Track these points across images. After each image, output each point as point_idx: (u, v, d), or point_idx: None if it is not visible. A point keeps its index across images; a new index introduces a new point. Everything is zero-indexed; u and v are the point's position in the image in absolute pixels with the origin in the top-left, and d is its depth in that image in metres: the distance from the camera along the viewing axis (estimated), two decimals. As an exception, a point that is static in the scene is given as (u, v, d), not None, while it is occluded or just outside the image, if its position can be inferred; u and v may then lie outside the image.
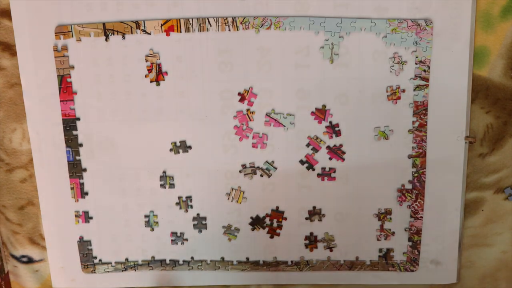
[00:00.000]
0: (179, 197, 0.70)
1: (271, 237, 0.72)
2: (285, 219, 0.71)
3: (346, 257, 0.72)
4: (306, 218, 0.71)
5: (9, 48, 0.67)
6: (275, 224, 0.71)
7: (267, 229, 0.71)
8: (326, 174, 0.69)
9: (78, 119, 0.68)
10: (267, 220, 0.71)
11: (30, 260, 0.75)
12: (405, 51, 0.66)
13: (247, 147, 0.69)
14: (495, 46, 0.66)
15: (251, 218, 0.71)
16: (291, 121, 0.68)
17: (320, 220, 0.71)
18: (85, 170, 0.70)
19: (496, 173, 0.70)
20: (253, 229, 0.71)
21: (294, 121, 0.68)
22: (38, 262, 0.75)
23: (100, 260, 0.73)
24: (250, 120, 0.68)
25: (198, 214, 0.71)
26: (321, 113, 0.68)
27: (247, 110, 0.68)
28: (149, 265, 0.73)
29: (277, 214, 0.71)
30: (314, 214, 0.71)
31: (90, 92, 0.67)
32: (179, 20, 0.65)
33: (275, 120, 0.68)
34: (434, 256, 0.72)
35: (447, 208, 0.70)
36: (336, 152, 0.69)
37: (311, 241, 0.72)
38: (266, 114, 0.68)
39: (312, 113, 0.68)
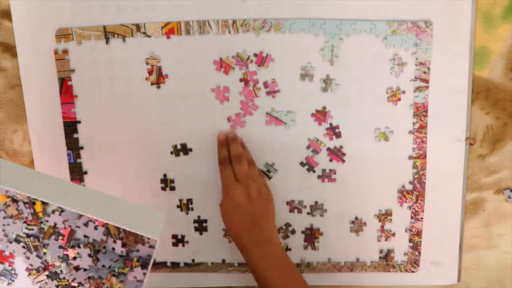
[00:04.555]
0: (180, 200, 0.71)
1: None
2: None
3: (347, 259, 0.72)
4: (308, 213, 0.71)
5: (10, 49, 0.67)
6: None
7: None
8: (327, 176, 0.70)
9: (79, 121, 0.68)
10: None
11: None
12: (405, 52, 0.66)
13: (248, 149, 0.69)
14: (496, 47, 0.66)
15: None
16: (292, 118, 0.68)
17: (322, 215, 0.71)
18: (86, 172, 0.70)
19: (495, 173, 0.70)
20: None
21: (295, 118, 0.68)
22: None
23: (101, 262, 0.73)
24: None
25: (198, 217, 0.71)
26: (321, 115, 0.68)
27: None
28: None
29: None
30: (316, 209, 0.71)
31: (90, 95, 0.67)
32: (180, 22, 0.65)
33: (276, 118, 0.68)
34: (435, 257, 0.72)
35: (447, 209, 0.70)
36: (337, 153, 0.69)
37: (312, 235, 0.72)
38: (266, 113, 0.68)
39: (313, 114, 0.68)
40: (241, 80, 0.67)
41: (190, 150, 0.69)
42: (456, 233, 0.71)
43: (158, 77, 0.67)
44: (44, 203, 0.54)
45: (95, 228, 0.54)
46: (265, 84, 0.67)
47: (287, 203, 0.71)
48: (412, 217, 0.71)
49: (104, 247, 0.55)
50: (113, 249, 0.55)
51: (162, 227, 0.54)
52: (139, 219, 0.53)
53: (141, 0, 0.65)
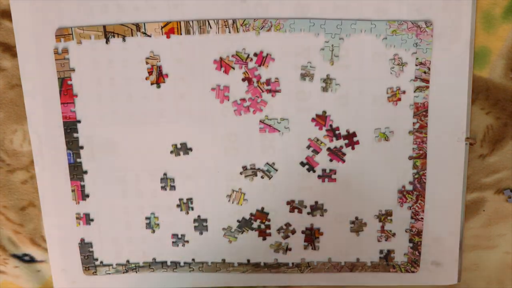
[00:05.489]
0: (180, 199, 0.71)
1: (264, 239, 0.72)
2: (269, 220, 0.71)
3: (347, 259, 0.72)
4: (308, 213, 0.71)
5: (10, 49, 0.67)
6: (262, 226, 0.71)
7: (257, 232, 0.72)
8: (327, 176, 0.70)
9: (79, 121, 0.68)
10: (257, 222, 0.71)
11: (32, 260, 0.75)
12: (405, 52, 0.66)
13: (248, 149, 0.69)
14: (496, 47, 0.66)
15: (238, 221, 0.71)
16: (286, 125, 0.68)
17: (322, 215, 0.71)
18: (86, 172, 0.70)
19: (496, 173, 0.70)
20: (242, 232, 0.72)
21: (289, 125, 0.68)
22: (40, 263, 0.75)
23: (101, 262, 0.73)
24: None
25: (199, 216, 0.71)
26: (321, 120, 0.68)
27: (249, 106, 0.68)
28: (150, 267, 0.73)
29: (262, 214, 0.71)
30: (316, 209, 0.71)
31: (90, 94, 0.67)
32: (180, 22, 0.65)
33: (270, 126, 0.68)
34: (435, 257, 0.72)
35: (447, 209, 0.70)
36: (337, 153, 0.69)
37: (312, 235, 0.72)
38: (260, 121, 0.68)
39: (313, 119, 0.68)
40: (243, 80, 0.67)
41: (190, 149, 0.69)
42: (456, 233, 0.71)
43: (158, 76, 0.67)
44: None
45: None
46: (267, 82, 0.67)
47: (287, 203, 0.71)
48: (412, 217, 0.71)
49: None
50: None
51: None
52: None
53: (141, 0, 0.65)
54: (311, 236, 0.72)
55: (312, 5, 0.65)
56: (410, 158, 0.69)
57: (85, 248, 0.73)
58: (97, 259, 0.73)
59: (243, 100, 0.67)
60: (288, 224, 0.71)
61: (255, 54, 0.66)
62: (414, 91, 0.67)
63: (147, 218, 0.71)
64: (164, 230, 0.72)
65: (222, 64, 0.66)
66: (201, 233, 0.72)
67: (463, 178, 0.69)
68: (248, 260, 0.73)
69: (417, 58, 0.66)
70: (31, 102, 0.68)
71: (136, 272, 0.73)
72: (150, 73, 0.67)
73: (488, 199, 0.71)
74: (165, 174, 0.70)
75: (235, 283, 0.73)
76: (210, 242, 0.72)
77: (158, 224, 0.72)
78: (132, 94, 0.67)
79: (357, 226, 0.71)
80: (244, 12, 0.65)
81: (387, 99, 0.67)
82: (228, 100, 0.67)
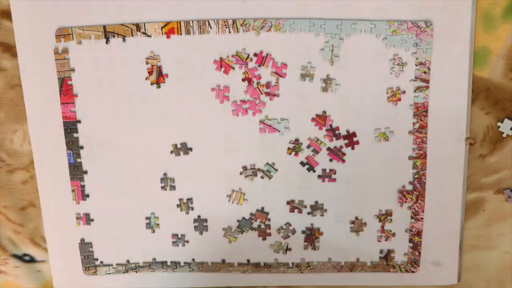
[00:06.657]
0: (180, 199, 0.71)
1: (264, 239, 0.72)
2: (269, 220, 0.71)
3: (347, 259, 0.72)
4: (308, 213, 0.71)
5: (10, 49, 0.67)
6: (262, 226, 0.71)
7: (257, 232, 0.72)
8: (327, 176, 0.70)
9: (79, 121, 0.68)
10: (257, 222, 0.71)
11: (32, 259, 0.75)
12: (405, 52, 0.66)
13: (248, 149, 0.69)
14: (496, 47, 0.66)
15: (238, 221, 0.71)
16: (286, 125, 0.68)
17: (322, 215, 0.71)
18: (86, 172, 0.70)
19: (496, 173, 0.70)
20: (242, 232, 0.72)
21: (289, 126, 0.68)
22: (40, 263, 0.75)
23: (101, 262, 0.73)
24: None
25: (199, 216, 0.71)
26: (321, 119, 0.68)
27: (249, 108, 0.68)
28: (150, 267, 0.73)
29: (262, 214, 0.71)
30: (316, 209, 0.71)
31: (90, 94, 0.67)
32: (180, 22, 0.65)
33: (270, 126, 0.68)
34: (435, 257, 0.72)
35: (447, 209, 0.70)
36: (337, 153, 0.69)
37: (312, 234, 0.72)
38: (260, 121, 0.68)
39: (313, 119, 0.68)
40: (243, 80, 0.67)
41: (190, 149, 0.69)
42: (456, 233, 0.71)
43: (158, 77, 0.67)
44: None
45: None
46: (267, 85, 0.67)
47: (287, 203, 0.71)
48: (412, 217, 0.71)
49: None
50: None
51: None
52: None
53: (141, 0, 0.65)
54: (311, 236, 0.72)
55: (312, 5, 0.65)
56: (410, 158, 0.69)
57: (85, 248, 0.73)
58: (97, 259, 0.73)
59: (243, 101, 0.67)
60: (288, 224, 0.71)
61: (255, 54, 0.66)
62: (414, 91, 0.67)
63: (147, 218, 0.71)
64: (164, 230, 0.72)
65: (222, 64, 0.66)
66: (201, 233, 0.72)
67: (463, 178, 0.69)
68: (248, 260, 0.73)
69: (417, 58, 0.66)
70: (31, 102, 0.68)
71: (136, 272, 0.73)
72: (150, 73, 0.67)
73: (488, 199, 0.71)
74: (165, 174, 0.70)
75: (235, 283, 0.73)
76: (210, 242, 0.72)
77: (158, 224, 0.72)
78: (132, 94, 0.67)
79: (357, 226, 0.71)
80: (244, 12, 0.65)
81: (387, 99, 0.67)
82: (228, 100, 0.67)
